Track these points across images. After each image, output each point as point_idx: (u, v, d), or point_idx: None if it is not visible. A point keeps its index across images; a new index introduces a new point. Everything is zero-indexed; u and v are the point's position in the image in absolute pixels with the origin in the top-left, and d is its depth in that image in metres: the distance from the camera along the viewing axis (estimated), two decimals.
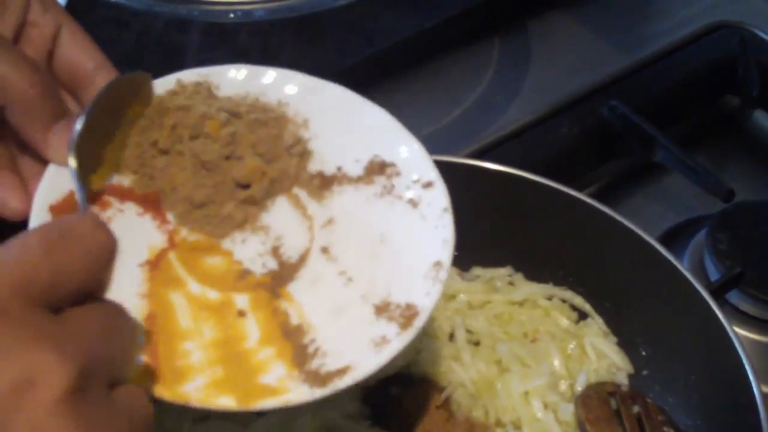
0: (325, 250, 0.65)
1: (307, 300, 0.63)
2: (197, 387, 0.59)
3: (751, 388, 0.76)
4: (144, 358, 0.59)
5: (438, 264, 0.64)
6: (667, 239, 1.07)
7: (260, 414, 0.81)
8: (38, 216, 0.60)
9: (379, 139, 0.69)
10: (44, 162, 0.62)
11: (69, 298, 0.47)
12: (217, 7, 1.03)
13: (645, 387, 0.86)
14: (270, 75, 0.71)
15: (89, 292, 0.50)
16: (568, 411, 0.82)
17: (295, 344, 0.62)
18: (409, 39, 1.21)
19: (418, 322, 0.60)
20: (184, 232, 0.65)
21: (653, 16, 1.34)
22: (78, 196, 0.60)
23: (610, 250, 0.89)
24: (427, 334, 0.88)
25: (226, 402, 0.59)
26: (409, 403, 0.83)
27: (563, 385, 0.85)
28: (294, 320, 0.62)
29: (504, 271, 0.94)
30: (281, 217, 0.66)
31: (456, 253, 0.92)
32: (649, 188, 1.18)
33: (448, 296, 0.91)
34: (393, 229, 0.66)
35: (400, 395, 0.83)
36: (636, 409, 0.83)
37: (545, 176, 0.90)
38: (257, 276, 0.64)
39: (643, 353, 0.88)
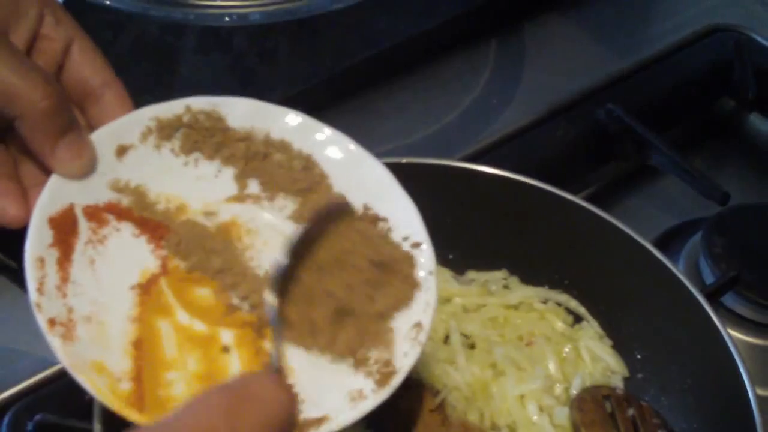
0: None
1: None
2: None
3: (746, 391, 0.76)
4: (129, 384, 0.60)
5: (418, 325, 0.64)
6: (662, 242, 1.08)
7: None
8: (37, 227, 0.61)
9: (376, 191, 0.69)
10: (47, 172, 0.62)
11: None
12: (212, 11, 1.03)
13: (640, 390, 0.86)
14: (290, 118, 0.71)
15: None
16: (563, 414, 0.82)
17: None
18: (405, 42, 1.21)
19: (395, 382, 0.62)
20: (177, 261, 0.66)
21: (649, 19, 1.34)
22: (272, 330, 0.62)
23: (606, 253, 0.89)
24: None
25: None
26: (404, 406, 0.83)
27: (558, 389, 0.85)
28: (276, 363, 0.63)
29: (499, 275, 0.94)
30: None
31: (451, 256, 0.94)
32: (645, 191, 1.18)
33: (443, 299, 0.91)
34: None
35: (395, 398, 0.83)
36: (631, 412, 0.83)
37: (541, 179, 0.90)
38: (244, 314, 0.65)
39: (638, 356, 0.88)
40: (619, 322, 0.90)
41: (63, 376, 0.90)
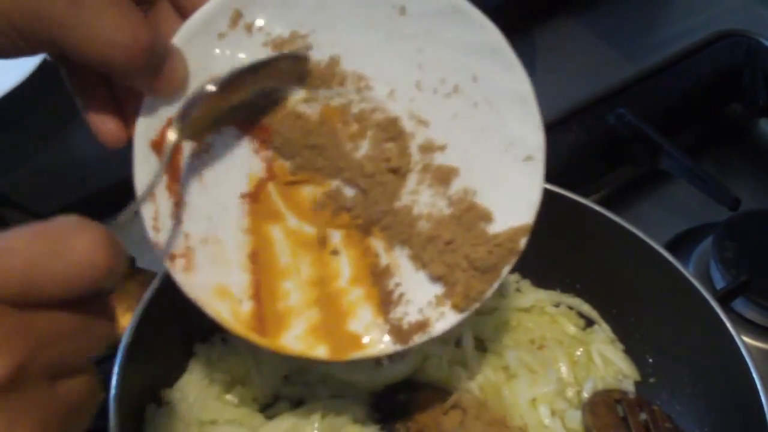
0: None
1: (395, 242, 0.65)
2: (297, 336, 0.64)
3: (759, 396, 0.75)
4: (250, 304, 0.63)
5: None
6: (672, 247, 1.07)
7: (270, 418, 0.81)
8: (141, 156, 0.61)
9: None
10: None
11: (39, 305, 0.45)
12: None
13: (652, 394, 0.87)
14: None
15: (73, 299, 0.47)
16: (575, 418, 0.82)
17: (382, 288, 0.65)
18: None
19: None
20: (282, 162, 0.65)
21: (660, 24, 1.34)
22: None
23: (618, 257, 0.89)
24: (433, 340, 0.88)
25: (321, 353, 0.65)
26: (417, 409, 0.83)
27: (570, 392, 0.85)
28: (383, 261, 0.64)
29: (511, 278, 0.94)
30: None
31: None
32: (655, 196, 1.18)
33: None
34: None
35: (408, 401, 0.84)
36: (643, 416, 0.83)
37: (552, 183, 0.90)
38: (351, 213, 0.65)
39: (650, 360, 0.88)
40: (631, 326, 0.90)
41: None
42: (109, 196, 1.08)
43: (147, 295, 0.75)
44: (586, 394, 0.85)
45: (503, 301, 0.91)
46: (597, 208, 0.89)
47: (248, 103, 0.63)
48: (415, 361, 0.85)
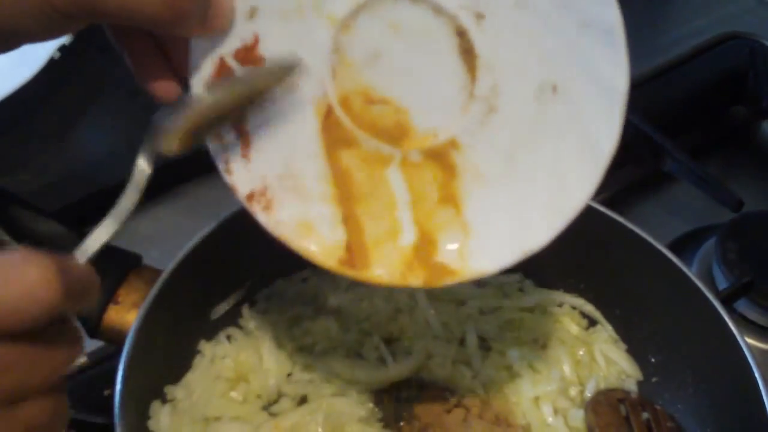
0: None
1: (481, 149, 0.62)
2: (389, 266, 0.64)
3: (761, 396, 0.76)
4: (336, 236, 0.63)
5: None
6: (675, 248, 1.07)
7: (273, 415, 0.81)
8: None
9: None
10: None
11: None
12: None
13: (654, 394, 0.87)
14: None
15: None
16: (578, 417, 0.83)
17: (469, 208, 0.64)
18: None
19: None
20: (345, 81, 0.62)
21: (664, 26, 1.35)
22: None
23: (621, 257, 0.89)
24: (437, 338, 0.88)
25: (415, 282, 0.64)
26: (420, 407, 0.83)
27: (573, 391, 0.86)
28: (467, 174, 0.63)
29: (514, 278, 0.94)
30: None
31: None
32: (658, 197, 1.18)
33: (458, 302, 0.91)
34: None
35: (411, 399, 0.84)
36: (645, 415, 0.83)
37: None
38: (426, 131, 0.63)
39: (653, 360, 0.89)
40: (634, 326, 0.90)
41: (80, 372, 0.91)
42: (115, 194, 1.08)
43: (152, 292, 0.76)
44: (588, 394, 0.85)
45: (506, 301, 0.92)
46: (601, 208, 0.89)
47: None
48: (418, 360, 0.86)
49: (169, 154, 0.58)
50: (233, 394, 0.82)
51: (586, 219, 0.89)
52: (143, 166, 0.58)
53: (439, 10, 0.58)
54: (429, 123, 0.62)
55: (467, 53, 0.59)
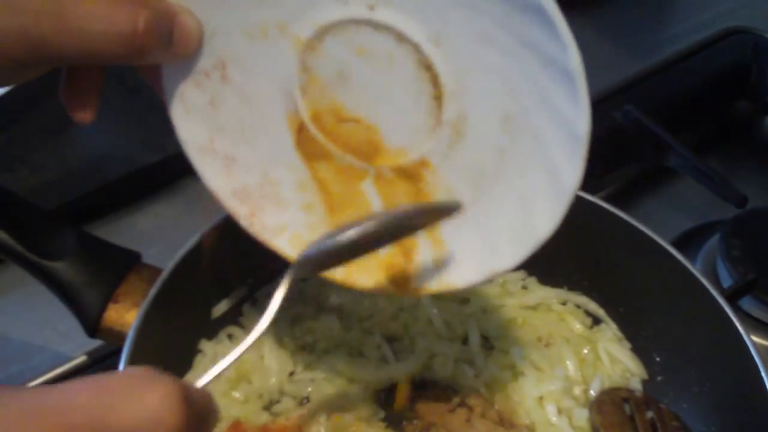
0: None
1: (452, 170, 0.63)
2: (366, 272, 0.68)
3: (767, 395, 0.75)
4: None
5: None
6: (679, 245, 1.06)
7: (275, 415, 0.81)
8: (179, 117, 0.64)
9: None
10: None
11: None
12: None
13: (659, 393, 0.86)
14: None
15: None
16: (582, 416, 0.82)
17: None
18: None
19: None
20: (318, 100, 0.63)
21: (667, 21, 1.34)
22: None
23: (625, 254, 0.88)
24: (440, 337, 0.87)
25: (390, 289, 0.68)
26: (423, 406, 0.83)
27: (577, 390, 0.85)
28: (439, 194, 0.64)
29: (517, 275, 0.94)
30: None
31: None
32: (662, 193, 1.18)
33: (461, 300, 0.91)
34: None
35: (414, 398, 0.83)
36: (650, 414, 0.83)
37: None
38: (397, 149, 0.64)
39: (657, 359, 0.88)
40: (638, 324, 0.89)
41: (79, 372, 0.91)
42: (115, 191, 1.08)
43: (153, 291, 0.75)
44: (593, 393, 0.84)
45: (510, 299, 0.91)
46: (604, 205, 0.88)
47: None
48: (421, 359, 0.85)
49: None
50: (235, 393, 0.82)
51: (590, 216, 0.89)
52: (282, 291, 0.60)
53: (401, 38, 0.58)
54: (399, 142, 0.63)
55: (432, 80, 0.60)
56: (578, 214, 0.88)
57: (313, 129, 0.64)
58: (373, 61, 0.60)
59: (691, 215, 1.14)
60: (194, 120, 0.64)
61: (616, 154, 1.15)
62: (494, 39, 0.57)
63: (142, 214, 1.07)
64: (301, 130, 0.64)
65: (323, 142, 0.64)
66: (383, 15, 0.58)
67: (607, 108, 1.15)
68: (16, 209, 0.78)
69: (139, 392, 0.43)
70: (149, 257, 0.82)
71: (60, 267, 0.76)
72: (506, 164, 0.62)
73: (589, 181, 1.05)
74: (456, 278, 0.67)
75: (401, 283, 0.68)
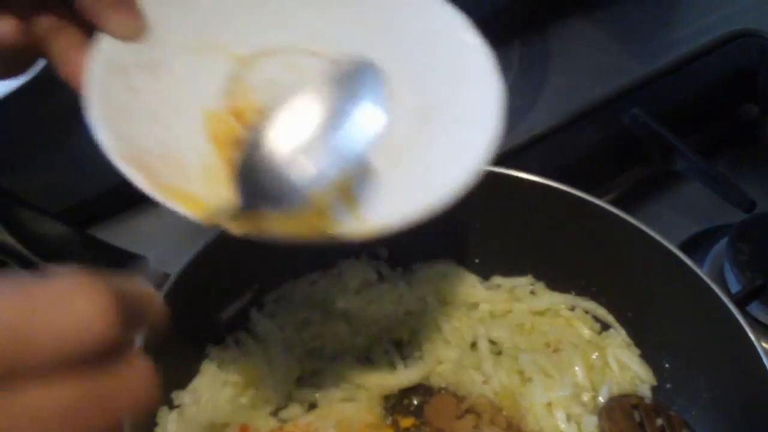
0: None
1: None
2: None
3: None
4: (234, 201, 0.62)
5: None
6: (686, 249, 1.06)
7: (283, 421, 0.80)
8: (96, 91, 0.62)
9: None
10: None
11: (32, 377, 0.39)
12: None
13: (668, 400, 0.86)
14: None
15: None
16: (591, 423, 0.81)
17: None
18: None
19: None
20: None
21: (674, 24, 1.33)
22: None
23: (633, 259, 0.88)
24: (448, 343, 0.87)
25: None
26: (431, 413, 0.82)
27: (586, 397, 0.84)
28: None
29: (525, 281, 0.93)
30: None
31: (477, 260, 0.93)
32: (668, 197, 1.17)
33: (470, 305, 0.90)
34: None
35: (422, 405, 0.83)
36: (660, 422, 0.82)
37: (565, 183, 0.89)
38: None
39: (667, 365, 0.87)
40: (647, 330, 0.89)
41: None
42: (119, 193, 1.07)
43: (160, 295, 0.75)
44: (602, 399, 0.84)
45: (518, 304, 0.91)
46: (611, 208, 0.88)
47: None
48: (429, 365, 0.85)
49: None
50: (242, 399, 0.81)
51: (597, 220, 0.88)
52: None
53: (334, 62, 0.63)
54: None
55: None
56: (585, 218, 0.89)
57: (233, 122, 0.65)
58: (303, 73, 0.66)
59: (698, 219, 1.13)
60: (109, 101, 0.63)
61: (623, 158, 1.14)
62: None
63: (145, 215, 1.06)
64: (214, 120, 0.65)
65: (241, 132, 0.65)
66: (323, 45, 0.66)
67: (613, 111, 1.15)
68: (20, 212, 0.78)
69: (67, 299, 0.40)
70: (153, 259, 0.82)
71: None
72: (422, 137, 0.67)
73: (595, 185, 1.07)
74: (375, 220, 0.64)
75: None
